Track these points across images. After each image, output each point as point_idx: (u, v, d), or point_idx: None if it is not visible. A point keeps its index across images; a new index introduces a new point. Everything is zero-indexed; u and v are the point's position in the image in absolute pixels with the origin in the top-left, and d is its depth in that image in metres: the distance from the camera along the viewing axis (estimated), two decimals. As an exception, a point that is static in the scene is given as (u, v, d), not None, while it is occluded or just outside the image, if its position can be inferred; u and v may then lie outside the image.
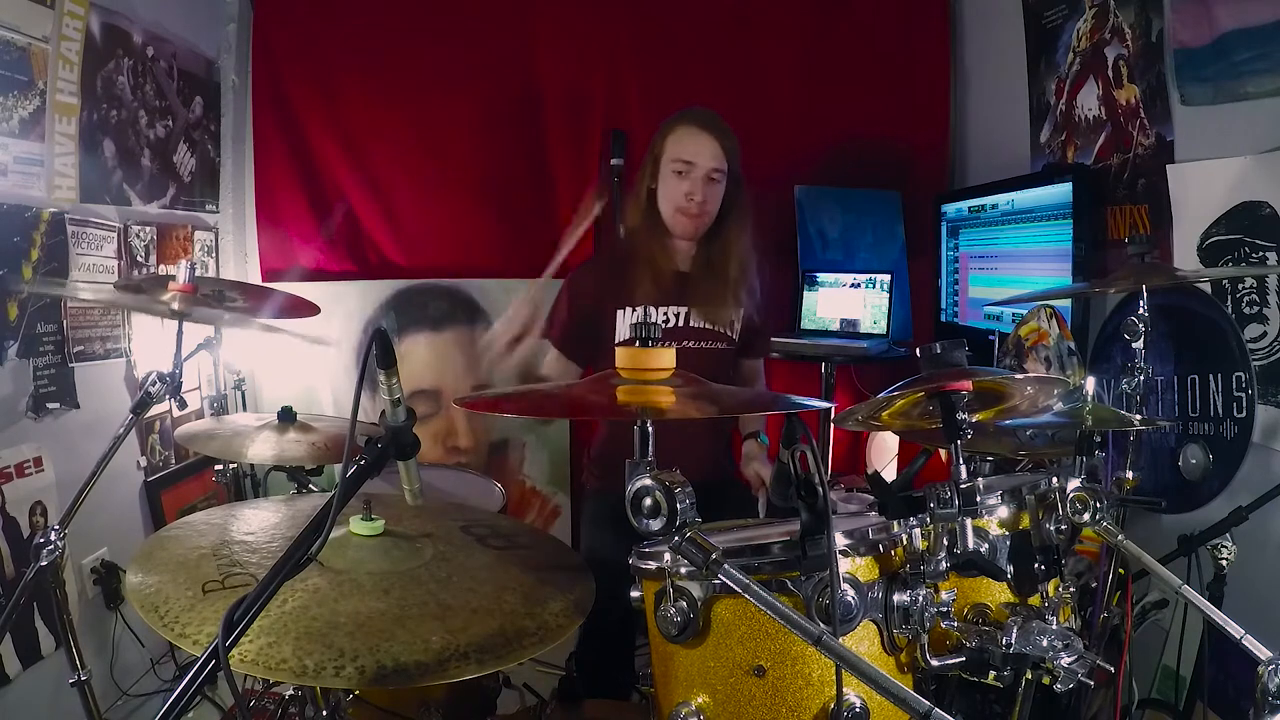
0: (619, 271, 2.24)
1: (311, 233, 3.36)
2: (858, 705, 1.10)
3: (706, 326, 2.25)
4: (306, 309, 2.21)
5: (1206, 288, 2.10)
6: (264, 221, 3.35)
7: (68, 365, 2.29)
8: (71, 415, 2.30)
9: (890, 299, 3.15)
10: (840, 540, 1.13)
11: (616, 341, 2.22)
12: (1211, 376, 2.08)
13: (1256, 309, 1.97)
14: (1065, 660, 1.13)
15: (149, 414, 2.13)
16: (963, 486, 1.18)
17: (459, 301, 3.35)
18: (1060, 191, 2.49)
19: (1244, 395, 1.99)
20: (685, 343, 2.18)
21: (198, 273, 2.45)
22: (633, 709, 1.93)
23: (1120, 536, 1.33)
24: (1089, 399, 1.56)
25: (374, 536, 1.41)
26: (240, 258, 3.34)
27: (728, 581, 1.00)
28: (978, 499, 1.18)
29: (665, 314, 2.22)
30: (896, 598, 1.15)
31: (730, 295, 2.24)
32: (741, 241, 2.25)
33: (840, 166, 3.44)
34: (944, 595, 1.16)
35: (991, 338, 2.57)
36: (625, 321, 2.23)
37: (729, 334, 2.27)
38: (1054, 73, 2.74)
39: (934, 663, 1.17)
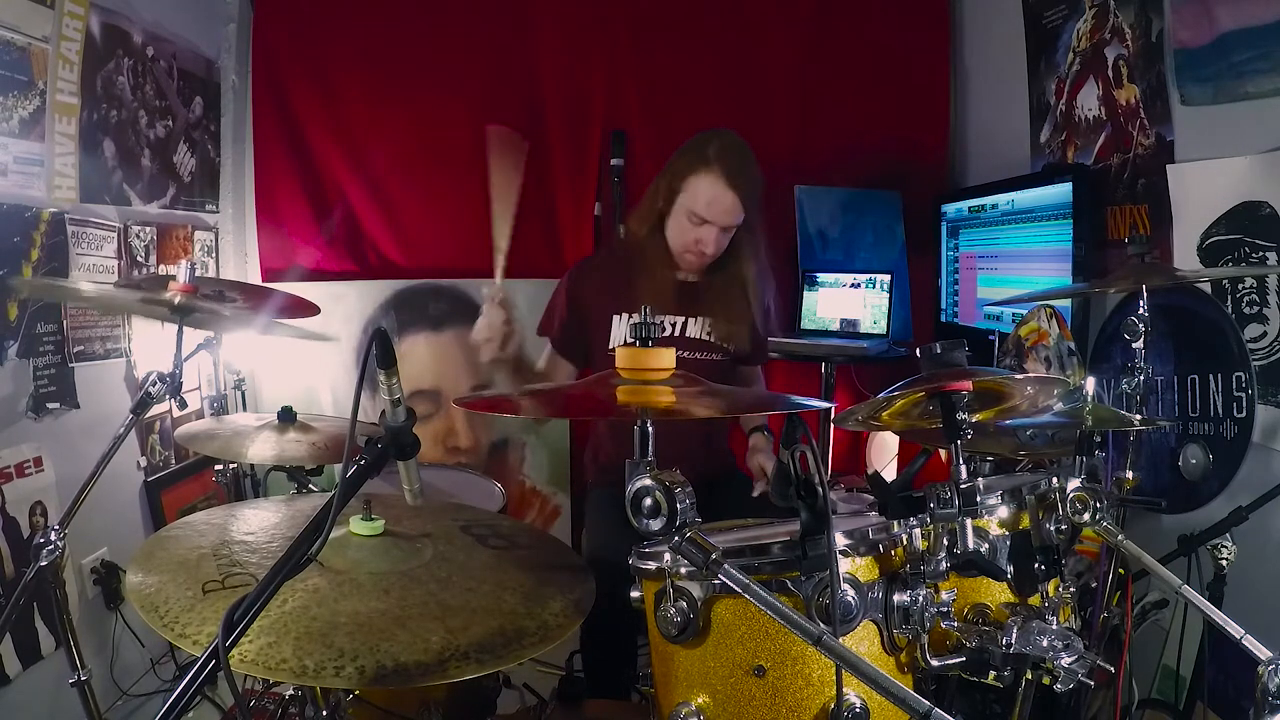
0: (619, 275, 2.23)
1: (311, 233, 3.36)
2: (858, 705, 1.10)
3: (704, 338, 2.24)
4: (306, 309, 2.21)
5: (1206, 288, 2.10)
6: (264, 221, 3.35)
7: (68, 365, 2.29)
8: (71, 415, 2.30)
9: (890, 299, 3.15)
10: (840, 540, 1.13)
11: (610, 346, 2.22)
12: (1211, 376, 2.08)
13: (1256, 309, 1.97)
14: (1065, 660, 1.13)
15: (149, 414, 2.13)
16: (963, 486, 1.18)
17: (459, 301, 3.35)
18: (1060, 191, 2.49)
19: (1244, 395, 2.00)
20: (681, 353, 2.17)
21: (198, 273, 2.44)
22: (633, 709, 1.93)
23: (1120, 536, 1.33)
24: (1089, 399, 1.56)
25: (374, 536, 1.42)
26: (240, 258, 3.35)
27: (728, 581, 1.00)
28: (978, 499, 1.18)
29: (663, 322, 2.21)
30: (896, 598, 1.15)
31: (738, 313, 2.23)
32: (751, 263, 2.23)
33: (840, 166, 3.44)
34: (944, 595, 1.16)
35: (991, 338, 2.57)
36: (621, 327, 2.22)
37: (728, 348, 2.26)
38: (1054, 73, 2.74)
39: (934, 663, 1.17)
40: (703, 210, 2.10)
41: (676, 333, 2.23)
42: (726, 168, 2.08)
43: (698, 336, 2.24)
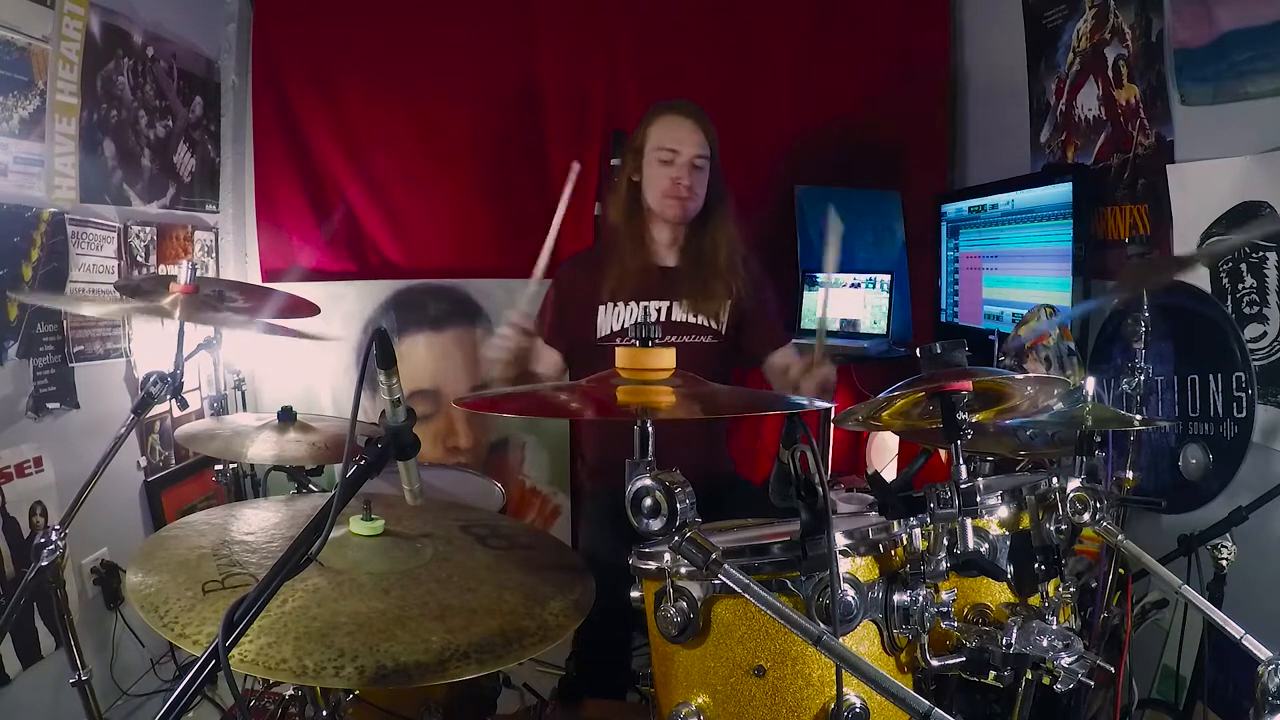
0: (602, 266, 2.25)
1: (311, 233, 3.36)
2: (858, 705, 1.10)
3: (691, 320, 2.24)
4: (306, 309, 2.21)
5: (1207, 288, 2.10)
6: (264, 221, 3.35)
7: (68, 365, 2.29)
8: (71, 415, 2.30)
9: (890, 299, 3.15)
10: (840, 540, 1.13)
11: (598, 337, 2.23)
12: (1211, 376, 2.08)
13: (1256, 309, 1.97)
14: (1065, 660, 1.13)
15: (149, 414, 2.13)
16: (963, 486, 1.18)
17: (459, 301, 3.35)
18: (1060, 191, 2.49)
19: (1244, 395, 1.99)
20: (669, 337, 2.17)
21: (198, 273, 2.44)
22: (633, 709, 1.93)
23: (1120, 536, 1.33)
24: (1089, 399, 1.56)
25: (374, 536, 1.42)
26: (240, 258, 3.34)
27: (728, 581, 1.00)
28: (978, 499, 1.18)
29: (647, 309, 2.22)
30: (896, 598, 1.15)
31: (720, 285, 2.23)
32: (726, 230, 2.25)
33: (840, 167, 3.44)
34: (944, 595, 1.16)
35: (992, 338, 2.57)
36: (606, 317, 2.24)
37: (715, 326, 2.26)
38: (1054, 73, 2.74)
39: (934, 663, 1.17)
40: (670, 143, 2.17)
41: (664, 317, 2.24)
42: (683, 109, 2.22)
43: (685, 319, 2.24)
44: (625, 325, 2.20)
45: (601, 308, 2.24)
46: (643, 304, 2.22)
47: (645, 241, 2.25)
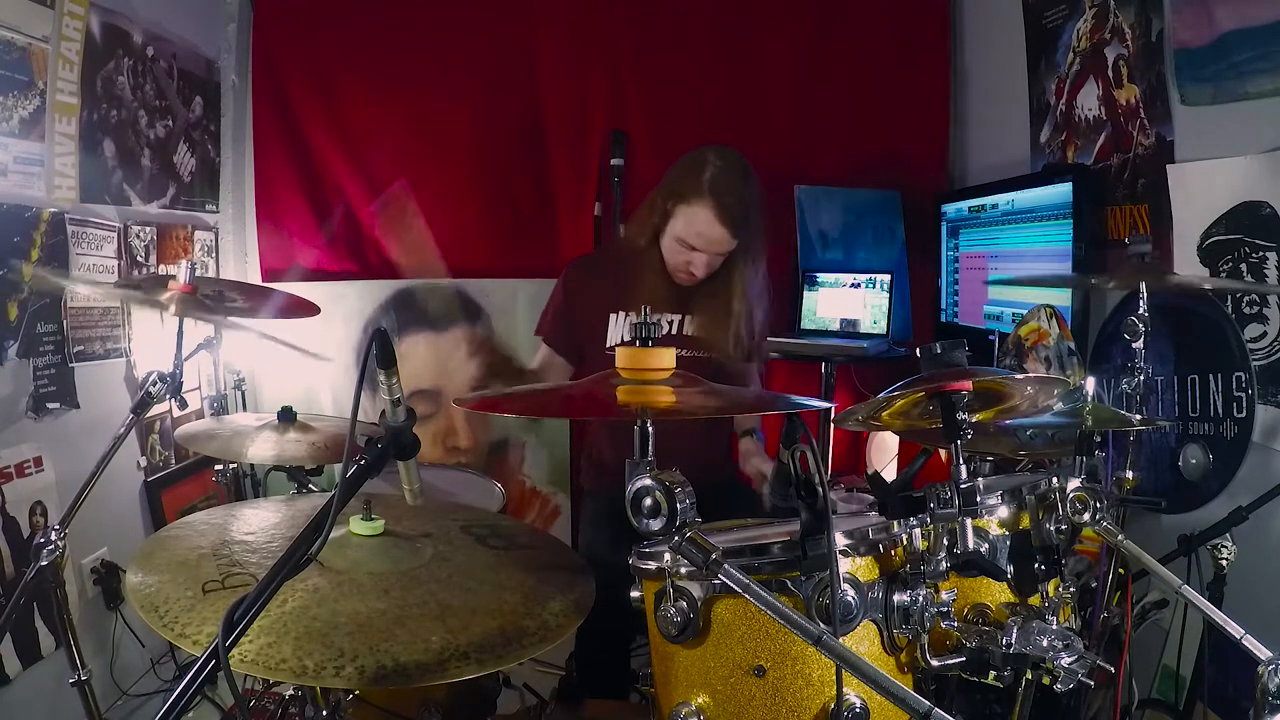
0: (616, 275, 2.24)
1: (311, 233, 3.36)
2: (858, 705, 1.10)
3: (700, 337, 2.25)
4: (306, 309, 2.21)
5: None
6: (264, 221, 3.35)
7: (68, 365, 2.29)
8: (71, 415, 2.30)
9: (890, 299, 3.14)
10: (840, 540, 1.13)
11: (608, 346, 2.22)
12: (1211, 376, 2.08)
13: (1256, 309, 1.98)
14: (1065, 660, 1.13)
15: (149, 414, 2.13)
16: (963, 486, 1.18)
17: (459, 301, 3.35)
18: (1060, 191, 2.49)
19: (1244, 395, 1.99)
20: (678, 351, 2.17)
21: (198, 273, 2.45)
22: (633, 709, 1.93)
23: (1120, 536, 1.33)
24: (1089, 399, 1.56)
25: (374, 536, 1.42)
26: (240, 258, 3.35)
27: (728, 581, 1.00)
28: (978, 499, 1.18)
29: (659, 319, 2.21)
30: (896, 598, 1.15)
31: (730, 323, 2.22)
32: (745, 277, 2.23)
33: (840, 166, 3.44)
34: (944, 595, 1.16)
35: (991, 338, 2.57)
36: (617, 326, 2.23)
37: (714, 355, 2.26)
38: (1054, 73, 2.74)
39: (934, 663, 1.17)
40: (693, 240, 2.12)
41: (674, 330, 2.24)
42: (718, 198, 2.06)
43: (694, 335, 2.24)
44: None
45: (613, 316, 2.23)
46: (656, 316, 2.19)
47: (662, 266, 2.24)
